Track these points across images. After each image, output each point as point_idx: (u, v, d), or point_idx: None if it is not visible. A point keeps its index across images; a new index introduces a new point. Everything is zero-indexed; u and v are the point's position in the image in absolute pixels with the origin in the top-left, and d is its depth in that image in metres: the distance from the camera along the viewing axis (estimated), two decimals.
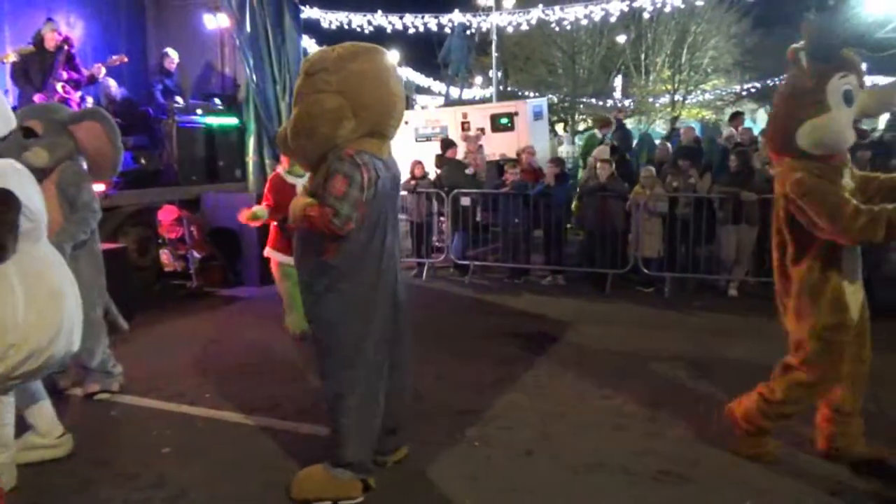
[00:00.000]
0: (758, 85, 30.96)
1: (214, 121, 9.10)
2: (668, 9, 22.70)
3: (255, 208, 5.24)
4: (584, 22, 23.03)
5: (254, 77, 8.62)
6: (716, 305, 7.46)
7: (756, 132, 10.00)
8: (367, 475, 3.36)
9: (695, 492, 3.43)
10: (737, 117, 10.60)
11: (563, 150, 19.59)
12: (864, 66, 3.63)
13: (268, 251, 5.49)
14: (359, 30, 18.75)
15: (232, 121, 9.26)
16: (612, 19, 23.65)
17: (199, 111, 8.99)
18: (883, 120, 13.22)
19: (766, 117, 13.67)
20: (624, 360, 5.48)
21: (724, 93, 31.90)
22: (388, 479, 3.52)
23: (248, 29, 8.53)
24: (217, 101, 9.31)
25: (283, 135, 3.36)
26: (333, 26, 17.39)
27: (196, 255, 8.04)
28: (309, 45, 15.53)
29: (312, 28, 17.22)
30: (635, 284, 8.17)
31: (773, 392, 3.65)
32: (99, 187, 5.27)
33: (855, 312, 3.49)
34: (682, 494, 3.41)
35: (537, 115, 12.24)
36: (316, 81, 3.18)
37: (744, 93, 32.12)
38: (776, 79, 29.64)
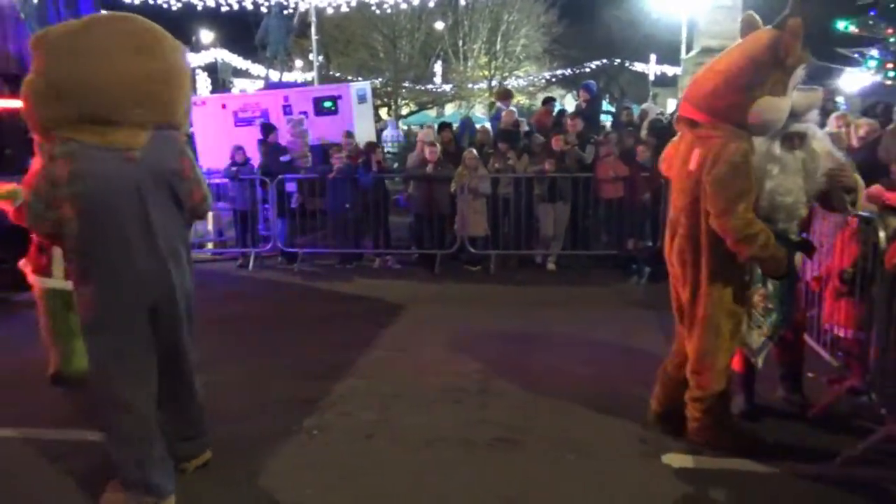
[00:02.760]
0: (566, 72, 33.18)
1: None
2: None
3: (12, 186, 3.58)
4: (404, 6, 23.28)
5: None
6: (537, 279, 7.95)
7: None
8: (157, 497, 3.04)
9: (527, 454, 3.65)
10: (548, 102, 11.17)
11: (388, 134, 19.70)
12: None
13: (29, 276, 4.37)
14: (165, 6, 17.46)
15: (19, 103, 8.24)
16: (431, 4, 24.13)
17: None
18: (672, 104, 14.69)
19: (575, 102, 14.61)
20: (456, 336, 5.66)
21: (535, 79, 33.81)
22: (227, 473, 3.40)
23: (35, 1, 7.62)
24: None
25: None
26: (137, 1, 16.01)
27: None
28: None
29: (112, 3, 15.74)
30: (463, 263, 8.46)
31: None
32: None
33: None
34: (516, 457, 3.62)
35: (362, 99, 12.19)
36: (34, 58, 2.90)
37: (553, 79, 34.28)
38: (583, 66, 31.98)
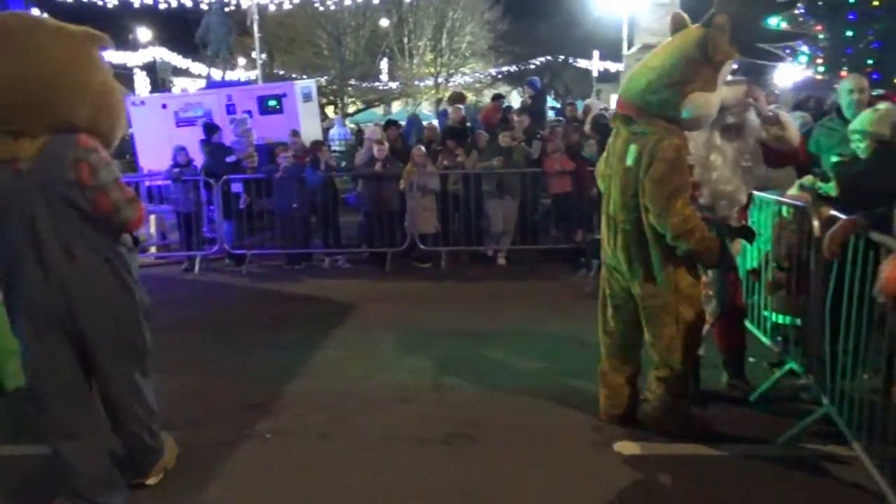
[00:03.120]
0: (511, 68, 33.51)
1: None
2: None
3: None
4: (348, 3, 23.11)
5: None
6: (487, 274, 8.01)
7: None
8: None
9: (482, 448, 3.68)
10: (498, 99, 11.18)
11: (335, 133, 19.55)
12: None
13: None
14: (100, 3, 16.89)
15: None
16: (376, 1, 24.02)
17: None
18: (615, 99, 14.93)
19: (520, 99, 14.77)
20: (407, 334, 5.66)
21: (482, 76, 34.04)
22: (182, 480, 3.33)
23: None
24: None
25: None
26: None
27: None
28: None
29: (42, 0, 15.14)
30: (413, 261, 8.46)
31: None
32: None
33: None
34: (472, 452, 3.64)
35: (307, 97, 12.05)
36: None
37: (499, 76, 34.56)
38: (527, 63, 32.30)
